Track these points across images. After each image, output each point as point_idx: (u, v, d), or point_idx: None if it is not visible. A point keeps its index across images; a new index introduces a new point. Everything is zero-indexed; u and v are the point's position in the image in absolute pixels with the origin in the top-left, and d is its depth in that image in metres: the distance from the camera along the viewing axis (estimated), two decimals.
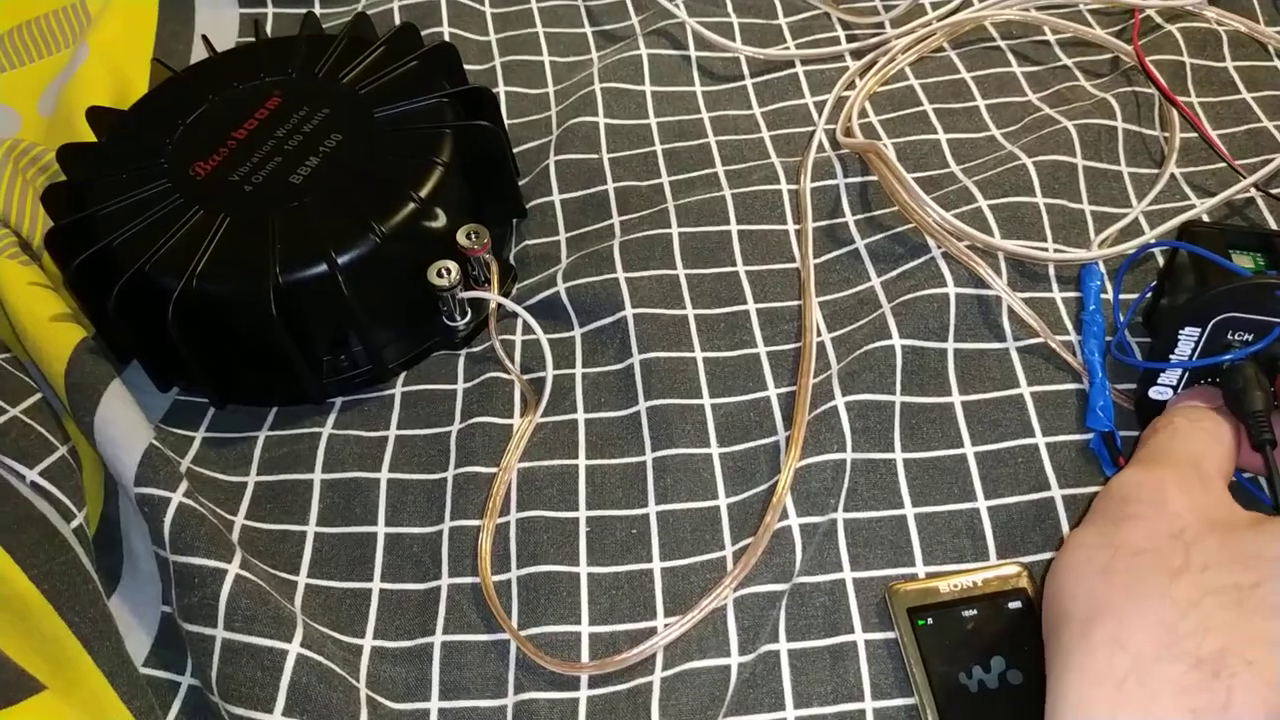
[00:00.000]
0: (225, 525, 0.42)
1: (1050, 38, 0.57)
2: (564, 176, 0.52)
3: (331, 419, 0.45)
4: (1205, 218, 0.48)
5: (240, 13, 0.64)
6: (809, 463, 0.40)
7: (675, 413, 0.43)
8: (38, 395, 0.44)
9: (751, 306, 0.47)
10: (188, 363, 0.43)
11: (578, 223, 0.51)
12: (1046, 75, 0.56)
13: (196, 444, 0.45)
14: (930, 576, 0.38)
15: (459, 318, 0.47)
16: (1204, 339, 0.37)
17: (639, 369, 0.44)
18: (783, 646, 0.37)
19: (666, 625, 0.38)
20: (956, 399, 0.42)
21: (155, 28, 0.62)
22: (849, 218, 0.49)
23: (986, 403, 0.42)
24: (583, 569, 0.40)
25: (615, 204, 0.51)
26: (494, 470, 0.42)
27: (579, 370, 0.46)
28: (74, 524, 0.40)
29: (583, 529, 0.41)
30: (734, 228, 0.49)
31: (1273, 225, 0.48)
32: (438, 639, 0.39)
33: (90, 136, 0.50)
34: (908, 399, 0.42)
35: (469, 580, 0.40)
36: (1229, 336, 0.37)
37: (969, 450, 0.41)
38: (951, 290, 0.44)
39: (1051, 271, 0.46)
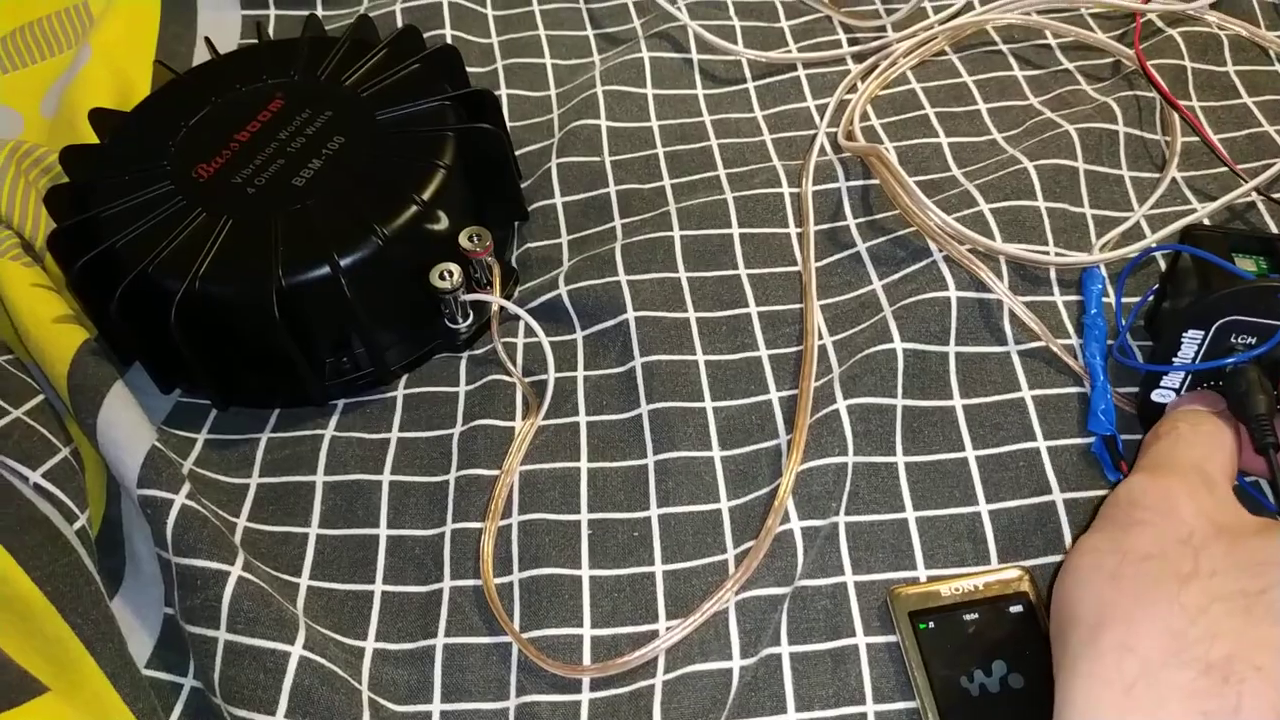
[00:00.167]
0: (227, 527, 0.42)
1: (1052, 41, 0.57)
2: (566, 179, 0.52)
3: (334, 421, 0.45)
4: (1206, 221, 0.48)
5: (242, 15, 0.64)
6: (810, 466, 0.40)
7: (677, 416, 0.43)
8: (40, 397, 0.44)
9: (753, 309, 0.47)
10: (190, 364, 0.43)
11: (579, 225, 0.51)
12: (1048, 79, 0.56)
13: (199, 446, 0.45)
14: (932, 580, 0.38)
15: (461, 320, 0.47)
16: (1207, 342, 0.37)
17: (641, 372, 0.44)
18: (784, 650, 0.37)
19: (668, 628, 0.38)
20: (958, 402, 0.42)
21: (158, 29, 0.62)
22: (850, 221, 0.49)
23: (988, 406, 0.42)
24: (585, 572, 0.40)
25: (617, 207, 0.51)
26: (496, 473, 0.42)
27: (581, 373, 0.46)
28: (76, 526, 0.40)
29: (585, 532, 0.41)
30: (735, 231, 0.49)
31: (1274, 229, 0.48)
32: (440, 641, 0.39)
33: (93, 138, 0.50)
34: (909, 402, 0.42)
35: (471, 583, 0.40)
36: (1232, 340, 0.37)
37: (970, 454, 0.41)
38: (953, 294, 0.44)
39: (1053, 275, 0.46)
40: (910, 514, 0.40)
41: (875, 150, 0.50)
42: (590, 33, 0.61)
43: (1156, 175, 0.50)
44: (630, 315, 0.46)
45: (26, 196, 0.51)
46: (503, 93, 0.58)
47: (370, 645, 0.39)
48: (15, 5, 0.63)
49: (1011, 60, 0.57)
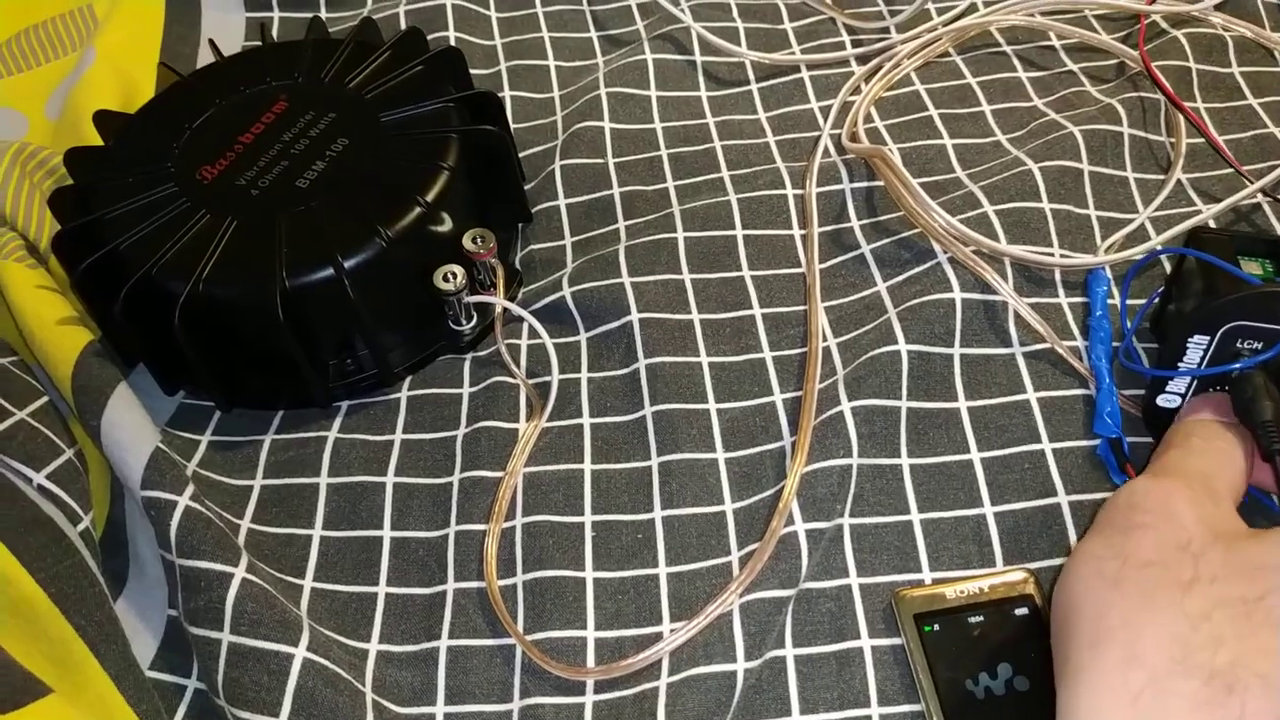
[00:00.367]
0: (231, 529, 0.42)
1: (1056, 43, 0.57)
2: (569, 181, 0.52)
3: (337, 423, 0.45)
4: (1212, 223, 0.48)
5: (246, 17, 0.64)
6: (815, 468, 0.40)
7: (681, 417, 0.43)
8: (44, 398, 0.44)
9: (757, 311, 0.47)
10: (194, 366, 0.43)
11: (583, 227, 0.51)
12: (1052, 80, 0.56)
13: (203, 447, 0.45)
14: (937, 582, 0.38)
15: (465, 322, 0.47)
16: (1213, 347, 0.37)
17: (645, 374, 0.44)
18: (789, 652, 0.37)
19: (672, 630, 0.38)
20: (963, 404, 0.42)
21: (162, 32, 0.62)
22: (854, 223, 0.49)
23: (993, 408, 0.42)
24: (588, 574, 0.40)
25: (621, 208, 0.51)
26: (500, 475, 0.42)
27: (584, 375, 0.46)
28: (80, 527, 0.40)
29: (588, 534, 0.41)
30: (739, 232, 0.49)
31: None
32: (443, 643, 0.39)
33: (97, 140, 0.50)
34: (914, 404, 0.42)
35: (475, 585, 0.40)
36: (1238, 344, 0.37)
37: (975, 456, 0.41)
38: (957, 295, 0.44)
39: (1058, 277, 0.46)
40: (915, 516, 0.40)
41: (879, 152, 0.50)
42: (594, 34, 0.61)
43: (1161, 177, 0.50)
44: (634, 317, 0.46)
45: (31, 198, 0.51)
46: (506, 95, 0.58)
47: (374, 647, 0.39)
48: (20, 8, 0.63)
49: (1016, 62, 0.57)
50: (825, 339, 0.45)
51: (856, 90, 0.56)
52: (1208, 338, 0.37)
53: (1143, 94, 0.53)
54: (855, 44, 0.59)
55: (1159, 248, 0.46)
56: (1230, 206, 0.48)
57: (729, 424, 0.43)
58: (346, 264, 0.42)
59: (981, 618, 0.36)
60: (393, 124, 0.47)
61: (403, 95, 0.48)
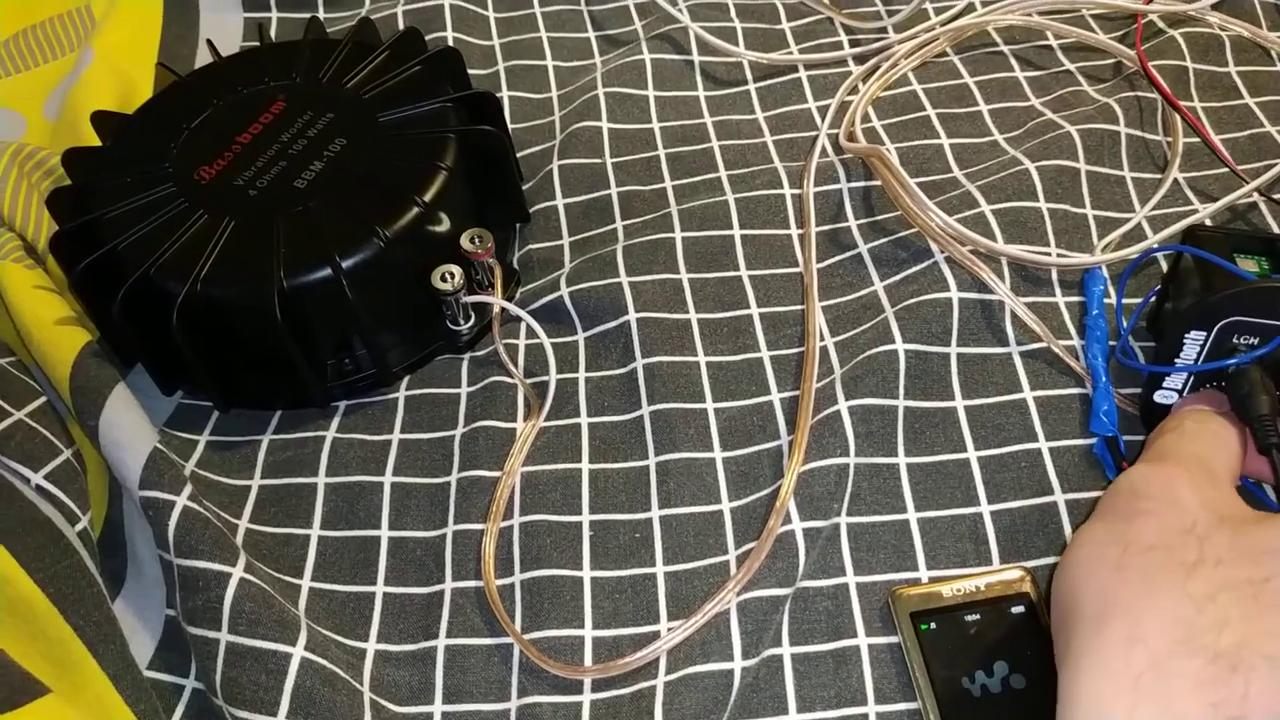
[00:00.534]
0: (229, 529, 0.42)
1: (1053, 42, 0.57)
2: (567, 181, 0.52)
3: (335, 423, 0.45)
4: (1208, 222, 0.48)
5: (244, 17, 0.64)
6: (812, 467, 0.40)
7: (678, 417, 0.43)
8: (42, 399, 0.44)
9: (754, 311, 0.47)
10: (192, 366, 0.43)
11: (581, 227, 0.51)
12: (1049, 80, 0.56)
13: (200, 447, 0.45)
14: (933, 581, 0.38)
15: (463, 322, 0.47)
16: (1209, 343, 0.37)
17: (642, 373, 0.44)
18: (786, 651, 0.37)
19: (670, 629, 0.38)
20: (959, 403, 0.42)
21: (160, 32, 0.62)
22: (852, 222, 0.49)
23: (989, 407, 0.42)
24: (586, 573, 0.40)
25: (618, 208, 0.51)
26: (497, 474, 0.42)
27: (582, 374, 0.46)
28: (79, 527, 0.40)
29: (586, 533, 0.41)
30: (737, 232, 0.49)
31: (1276, 229, 0.48)
32: (441, 643, 0.39)
33: (95, 140, 0.50)
34: (911, 403, 0.42)
35: (472, 584, 0.40)
36: (1234, 340, 0.37)
37: (972, 455, 0.41)
38: (954, 295, 0.44)
39: (1054, 276, 0.46)
40: (912, 515, 0.40)
41: (876, 151, 0.50)
42: (591, 35, 0.61)
43: (1158, 176, 0.50)
44: (632, 316, 0.46)
45: (29, 199, 0.51)
46: (504, 95, 0.58)
47: (372, 646, 0.39)
48: (18, 8, 0.64)
49: (1013, 61, 0.57)
50: (823, 338, 0.45)
51: (854, 90, 0.56)
52: (1205, 333, 0.37)
53: (1139, 93, 0.53)
54: (853, 44, 0.59)
55: (1155, 246, 0.46)
56: (1227, 206, 0.48)
57: (726, 423, 0.43)
58: (344, 264, 0.42)
59: (978, 616, 0.36)
60: (391, 124, 0.47)
61: (401, 95, 0.48)
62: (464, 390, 0.46)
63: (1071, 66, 0.56)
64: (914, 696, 0.35)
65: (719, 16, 0.60)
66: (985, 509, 0.40)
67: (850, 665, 0.36)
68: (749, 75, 0.58)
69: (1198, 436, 0.36)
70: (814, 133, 0.54)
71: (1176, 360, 0.38)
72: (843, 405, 0.42)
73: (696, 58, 0.58)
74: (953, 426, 0.42)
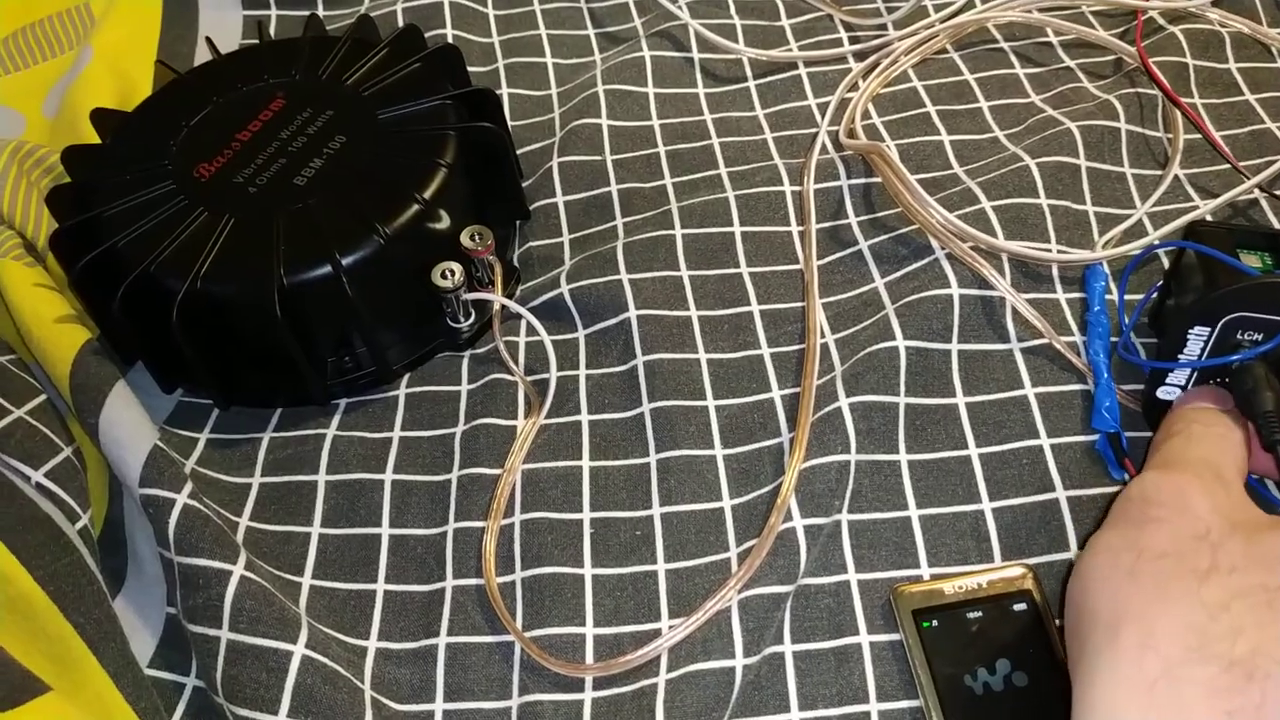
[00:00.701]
0: (230, 526, 0.42)
1: (1053, 39, 0.57)
2: (567, 178, 0.52)
3: (336, 420, 0.45)
4: (1209, 218, 0.48)
5: (244, 15, 0.64)
6: (813, 464, 0.40)
7: (679, 414, 0.43)
8: (42, 396, 0.44)
9: (755, 308, 0.47)
10: (192, 364, 0.43)
11: (581, 224, 0.51)
12: (1049, 77, 0.56)
13: (201, 445, 0.45)
14: (935, 578, 0.38)
15: (463, 319, 0.47)
16: (1213, 338, 0.37)
17: (643, 370, 0.44)
18: (787, 648, 0.37)
19: (671, 627, 0.38)
20: (961, 400, 0.42)
21: (159, 30, 0.62)
22: (852, 219, 0.49)
23: (991, 404, 0.42)
24: (587, 571, 0.40)
25: (618, 205, 0.51)
26: (498, 472, 0.42)
27: (583, 372, 0.46)
28: (79, 525, 0.40)
29: (587, 531, 0.41)
30: (737, 229, 0.49)
31: (1278, 225, 0.48)
32: (442, 640, 0.39)
33: (94, 138, 0.50)
34: (912, 400, 0.42)
35: (473, 582, 0.40)
36: (1238, 336, 0.37)
37: (973, 451, 0.41)
38: (955, 291, 0.44)
39: (1055, 272, 0.46)
40: (913, 512, 0.40)
41: (877, 148, 0.50)
42: (591, 32, 0.61)
43: (1159, 172, 0.50)
44: (632, 314, 0.46)
45: (29, 197, 0.51)
46: (504, 92, 0.58)
47: (373, 644, 0.39)
48: (17, 6, 0.63)
49: (1013, 58, 0.57)
50: (823, 335, 0.45)
51: (854, 87, 0.56)
52: (1208, 329, 0.37)
53: (1140, 90, 0.53)
54: (853, 41, 0.59)
55: (1158, 242, 0.46)
56: (1227, 202, 0.48)
57: (727, 420, 0.43)
58: (344, 261, 0.42)
59: (980, 613, 0.36)
60: (390, 121, 0.47)
61: (400, 92, 0.48)
62: (464, 388, 0.46)
63: (1072, 63, 0.56)
64: (916, 694, 0.35)
65: (719, 13, 0.60)
66: (987, 506, 0.40)
67: (852, 663, 0.36)
68: (749, 72, 0.58)
69: (1205, 440, 0.35)
70: (814, 130, 0.54)
71: (1180, 356, 0.38)
72: (844, 402, 0.42)
73: (696, 55, 0.58)
74: (954, 423, 0.42)
